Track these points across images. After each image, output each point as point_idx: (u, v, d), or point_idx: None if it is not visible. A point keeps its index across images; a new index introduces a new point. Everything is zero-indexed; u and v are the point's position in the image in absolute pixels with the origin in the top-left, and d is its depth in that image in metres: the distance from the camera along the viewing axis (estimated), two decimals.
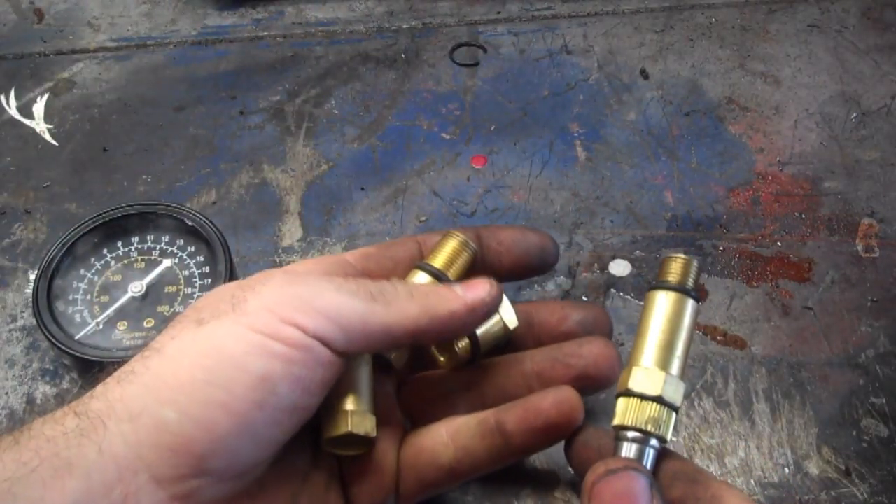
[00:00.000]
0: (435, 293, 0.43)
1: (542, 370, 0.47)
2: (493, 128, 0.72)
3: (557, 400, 0.43)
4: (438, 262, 0.48)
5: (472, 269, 0.49)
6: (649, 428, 0.38)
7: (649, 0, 0.82)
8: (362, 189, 0.68)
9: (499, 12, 0.81)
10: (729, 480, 0.53)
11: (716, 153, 0.71)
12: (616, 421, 0.40)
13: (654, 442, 0.38)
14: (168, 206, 0.60)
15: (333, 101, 0.74)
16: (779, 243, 0.65)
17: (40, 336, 0.58)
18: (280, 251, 0.65)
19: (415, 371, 0.50)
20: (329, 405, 0.44)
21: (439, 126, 0.73)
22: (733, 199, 0.67)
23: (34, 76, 0.76)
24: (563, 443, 0.45)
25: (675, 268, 0.42)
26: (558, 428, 0.44)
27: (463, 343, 0.48)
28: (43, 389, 0.57)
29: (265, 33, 0.80)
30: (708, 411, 0.56)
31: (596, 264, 0.64)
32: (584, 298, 0.62)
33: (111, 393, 0.36)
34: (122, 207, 0.59)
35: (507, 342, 0.50)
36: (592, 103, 0.74)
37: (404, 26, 0.80)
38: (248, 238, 0.65)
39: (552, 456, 0.54)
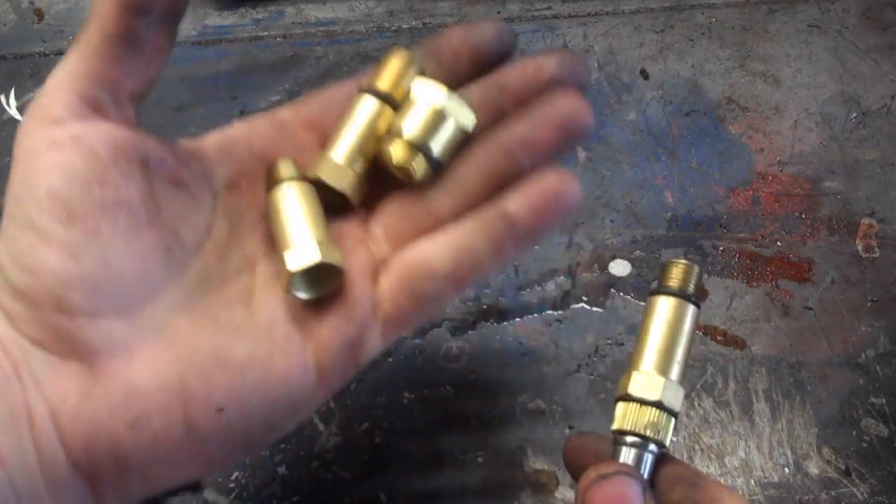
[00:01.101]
0: None
1: (526, 137, 0.43)
2: None
3: (559, 172, 0.42)
4: (384, 83, 0.45)
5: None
6: (648, 433, 0.38)
7: (649, 0, 0.82)
8: None
9: (499, 12, 0.81)
10: (729, 480, 0.53)
11: (716, 153, 0.71)
12: (615, 425, 0.40)
13: (652, 447, 0.39)
14: None
15: None
16: (779, 243, 0.65)
17: None
18: None
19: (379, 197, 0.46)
20: (281, 239, 0.41)
21: None
22: (733, 199, 0.68)
23: (34, 76, 0.76)
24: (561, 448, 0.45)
25: (677, 273, 0.42)
26: (565, 197, 0.42)
27: (418, 161, 0.43)
28: None
29: (265, 33, 0.80)
30: (708, 411, 0.56)
31: (596, 264, 0.64)
32: (584, 298, 0.62)
33: None
34: None
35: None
36: (592, 103, 0.74)
37: (404, 26, 0.80)
38: None
39: (552, 456, 0.54)
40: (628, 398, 0.39)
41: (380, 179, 0.45)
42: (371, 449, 0.55)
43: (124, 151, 0.38)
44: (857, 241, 0.65)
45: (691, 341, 0.41)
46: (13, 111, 0.74)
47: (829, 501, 0.52)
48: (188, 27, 0.80)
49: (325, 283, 0.40)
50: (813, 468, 0.53)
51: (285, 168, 0.43)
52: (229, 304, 0.40)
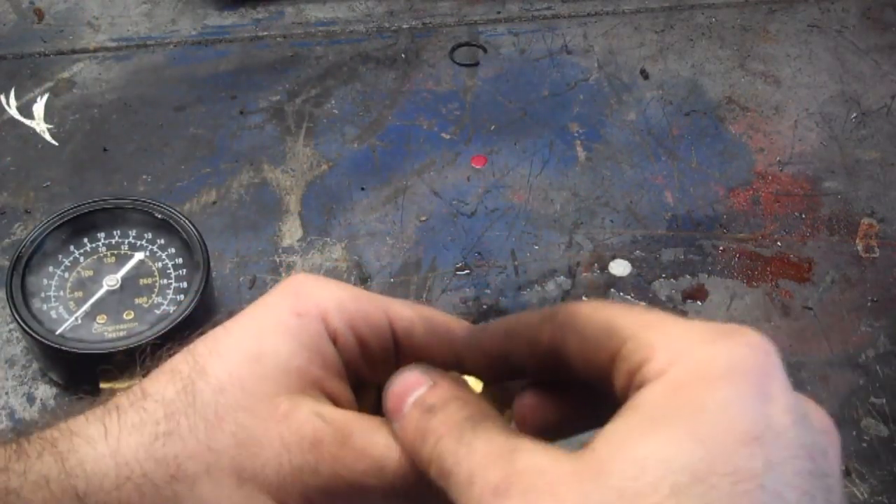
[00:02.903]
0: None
1: None
2: (493, 128, 0.72)
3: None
4: None
5: None
6: None
7: (649, 0, 0.82)
8: (362, 189, 0.68)
9: (499, 12, 0.81)
10: None
11: (716, 153, 0.71)
12: None
13: None
14: (135, 200, 0.60)
15: (333, 101, 0.74)
16: (779, 243, 0.65)
17: None
18: (280, 251, 0.64)
19: None
20: None
21: (439, 126, 0.73)
22: (733, 199, 0.68)
23: (34, 76, 0.76)
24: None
25: None
26: None
27: None
28: (43, 389, 0.57)
29: (265, 33, 0.80)
30: None
31: (596, 264, 0.64)
32: (584, 298, 0.62)
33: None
34: (89, 203, 0.60)
35: None
36: (592, 103, 0.74)
37: (404, 26, 0.80)
38: (248, 238, 0.65)
39: None
40: None
41: None
42: None
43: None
44: (857, 241, 0.65)
45: None
46: (13, 111, 0.74)
47: None
48: (188, 27, 0.80)
49: None
50: None
51: None
52: None
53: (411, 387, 0.32)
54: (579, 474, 0.25)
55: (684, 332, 0.27)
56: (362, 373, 0.38)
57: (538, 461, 0.26)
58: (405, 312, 0.37)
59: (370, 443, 0.32)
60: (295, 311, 0.34)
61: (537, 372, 0.34)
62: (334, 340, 0.35)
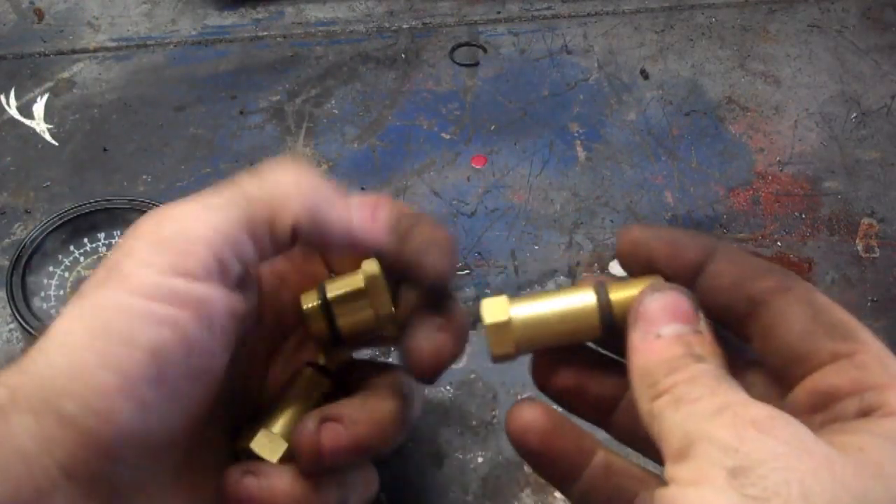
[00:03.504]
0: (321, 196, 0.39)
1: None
2: (493, 128, 0.72)
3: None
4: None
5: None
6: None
7: (649, 0, 0.82)
8: (362, 189, 0.68)
9: (499, 12, 0.81)
10: None
11: (716, 153, 0.71)
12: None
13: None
14: (133, 200, 0.60)
15: (333, 101, 0.74)
16: (779, 243, 0.65)
17: None
18: None
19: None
20: (253, 406, 0.42)
21: (439, 126, 0.73)
22: (733, 199, 0.68)
23: (34, 76, 0.76)
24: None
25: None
26: None
27: (319, 326, 0.43)
28: None
29: (265, 33, 0.80)
30: None
31: (596, 264, 0.64)
32: None
33: (13, 380, 0.33)
34: (89, 203, 0.60)
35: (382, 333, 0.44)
36: (592, 103, 0.74)
37: (404, 26, 0.80)
38: None
39: None
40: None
41: None
42: None
43: (234, 324, 0.37)
44: (857, 241, 0.65)
45: None
46: (13, 111, 0.74)
47: None
48: (188, 27, 0.80)
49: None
50: None
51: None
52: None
53: (677, 315, 0.33)
54: (860, 468, 0.27)
55: None
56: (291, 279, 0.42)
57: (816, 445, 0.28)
58: (289, 207, 0.38)
59: None
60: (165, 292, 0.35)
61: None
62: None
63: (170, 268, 0.35)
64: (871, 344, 0.32)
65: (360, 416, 0.40)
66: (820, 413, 0.32)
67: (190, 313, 0.35)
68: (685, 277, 0.36)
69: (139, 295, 0.34)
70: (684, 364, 0.32)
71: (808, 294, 0.34)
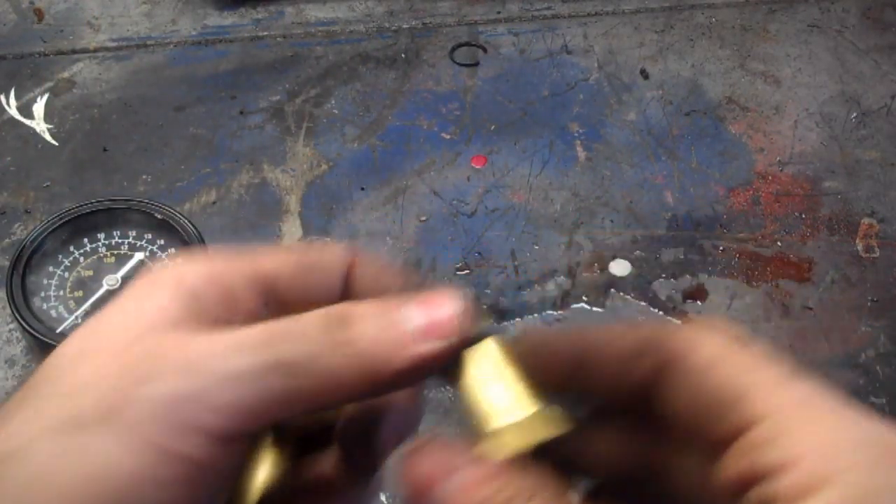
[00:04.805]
0: (379, 339, 0.26)
1: None
2: (493, 128, 0.72)
3: None
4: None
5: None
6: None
7: (649, 0, 0.82)
8: (362, 189, 0.68)
9: (499, 12, 0.81)
10: None
11: (716, 153, 0.71)
12: None
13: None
14: (133, 200, 0.60)
15: (333, 101, 0.74)
16: (779, 243, 0.65)
17: None
18: None
19: None
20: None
21: (439, 126, 0.73)
22: (733, 199, 0.68)
23: (34, 76, 0.76)
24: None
25: None
26: None
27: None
28: None
29: (265, 33, 0.80)
30: None
31: (596, 264, 0.64)
32: (584, 298, 0.62)
33: None
34: (89, 203, 0.60)
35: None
36: (592, 103, 0.74)
37: (404, 26, 0.80)
38: (248, 238, 0.65)
39: None
40: None
41: None
42: None
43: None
44: (857, 241, 0.65)
45: None
46: (13, 111, 0.74)
47: None
48: (188, 27, 0.80)
49: None
50: None
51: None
52: None
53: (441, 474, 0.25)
54: None
55: (839, 440, 0.23)
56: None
57: None
58: (270, 261, 0.28)
59: None
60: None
61: (603, 404, 0.28)
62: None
63: (192, 423, 0.27)
64: (767, 403, 0.25)
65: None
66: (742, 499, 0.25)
67: (206, 472, 0.25)
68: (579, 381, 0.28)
69: (152, 444, 0.26)
70: None
71: (689, 357, 0.26)
